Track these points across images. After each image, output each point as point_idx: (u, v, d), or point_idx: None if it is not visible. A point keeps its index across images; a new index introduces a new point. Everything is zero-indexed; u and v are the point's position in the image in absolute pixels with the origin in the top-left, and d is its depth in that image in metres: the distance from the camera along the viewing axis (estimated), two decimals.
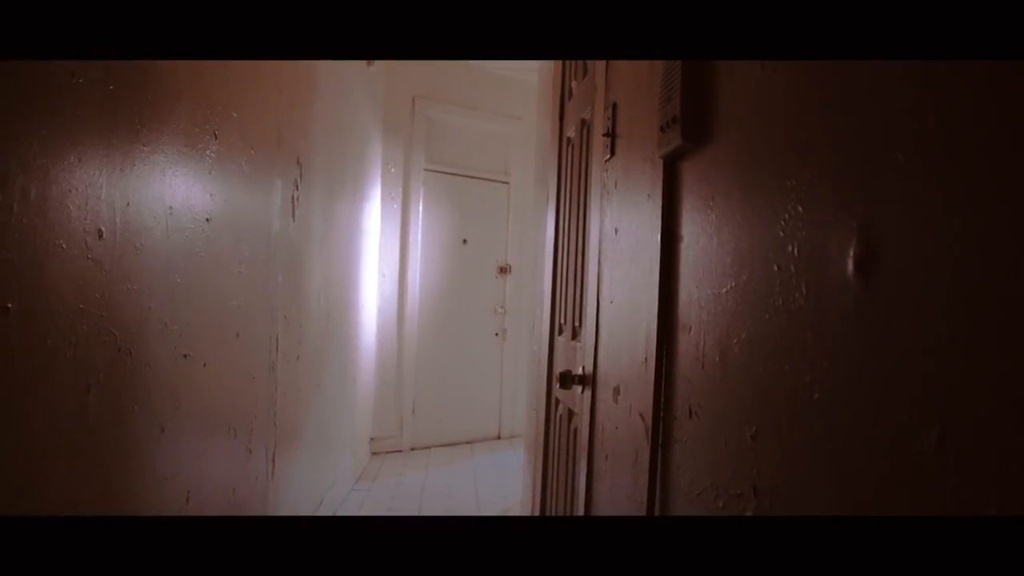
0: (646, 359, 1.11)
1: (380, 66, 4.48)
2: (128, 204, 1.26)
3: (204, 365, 1.66)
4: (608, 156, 1.46)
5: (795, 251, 0.66)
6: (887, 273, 0.53)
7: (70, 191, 1.07)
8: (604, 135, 1.47)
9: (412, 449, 4.98)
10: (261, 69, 2.07)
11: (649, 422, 1.06)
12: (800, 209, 0.66)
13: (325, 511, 3.29)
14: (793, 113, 0.68)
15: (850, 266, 0.57)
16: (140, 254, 1.31)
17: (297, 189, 2.52)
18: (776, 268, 0.70)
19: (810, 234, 0.64)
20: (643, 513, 1.07)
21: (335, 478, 3.56)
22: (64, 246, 1.07)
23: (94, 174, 1.14)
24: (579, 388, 1.68)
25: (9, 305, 0.94)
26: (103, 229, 1.17)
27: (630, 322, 1.27)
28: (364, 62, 4.09)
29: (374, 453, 4.80)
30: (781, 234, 0.69)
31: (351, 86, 3.72)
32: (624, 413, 1.26)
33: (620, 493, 1.25)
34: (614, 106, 1.44)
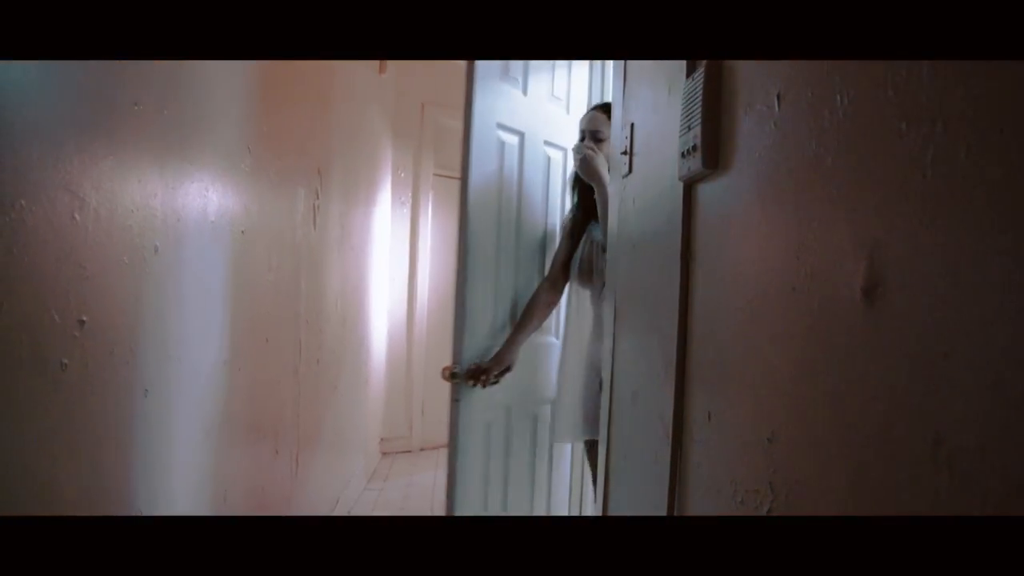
0: (665, 366, 1.19)
1: (391, 74, 4.56)
2: (179, 220, 1.34)
3: (239, 370, 1.75)
4: (627, 172, 1.54)
5: (808, 274, 0.75)
6: (888, 301, 0.61)
7: (132, 211, 1.16)
8: (623, 153, 1.56)
9: (422, 449, 5.07)
10: (287, 80, 2.16)
11: (670, 426, 1.14)
12: (814, 237, 0.74)
13: (340, 511, 3.38)
14: (810, 155, 0.76)
15: (858, 292, 0.65)
16: (186, 265, 1.40)
17: (318, 198, 2.61)
18: (792, 289, 0.78)
19: (823, 260, 0.72)
20: (663, 512, 1.15)
21: (349, 478, 3.65)
22: (127, 261, 1.15)
23: (152, 195, 1.22)
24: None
25: (84, 318, 1.02)
26: (158, 244, 1.26)
27: (646, 330, 1.35)
28: (376, 70, 4.17)
29: (384, 453, 4.89)
30: (796, 259, 0.78)
31: (364, 93, 3.80)
32: (643, 415, 1.34)
33: (638, 492, 1.33)
34: (632, 126, 1.53)
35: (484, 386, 1.98)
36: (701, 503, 1.03)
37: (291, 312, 2.30)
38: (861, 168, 0.67)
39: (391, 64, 4.32)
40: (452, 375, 2.02)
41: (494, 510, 2.14)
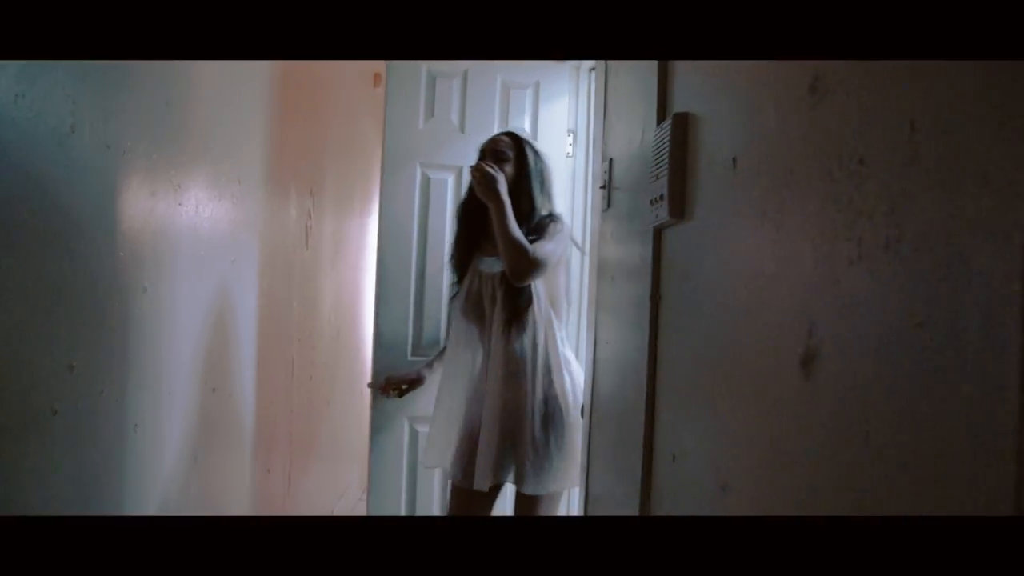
0: (636, 405, 1.24)
1: (384, 88, 4.59)
2: (169, 257, 1.39)
3: (228, 396, 1.79)
4: (606, 207, 1.58)
5: (756, 335, 0.79)
6: (822, 373, 0.65)
7: (121, 254, 1.20)
8: (601, 187, 1.60)
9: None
10: (282, 102, 2.20)
11: (639, 463, 1.18)
12: (762, 302, 0.78)
13: None
14: (759, 223, 0.80)
15: (798, 362, 0.69)
16: (174, 302, 1.44)
17: (310, 219, 2.65)
18: (741, 348, 0.83)
19: (769, 326, 0.76)
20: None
21: (344, 489, 3.69)
22: (116, 303, 1.19)
23: (141, 234, 1.26)
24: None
25: (73, 364, 1.06)
26: (147, 285, 1.30)
27: (621, 362, 1.40)
28: (370, 84, 4.21)
29: None
30: (747, 320, 0.82)
31: (357, 107, 3.84)
32: (619, 444, 1.39)
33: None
34: (611, 161, 1.57)
35: (388, 396, 2.25)
36: None
37: (283, 333, 2.34)
38: (801, 243, 0.71)
39: (384, 77, 4.35)
40: (368, 385, 2.41)
41: (408, 510, 2.49)
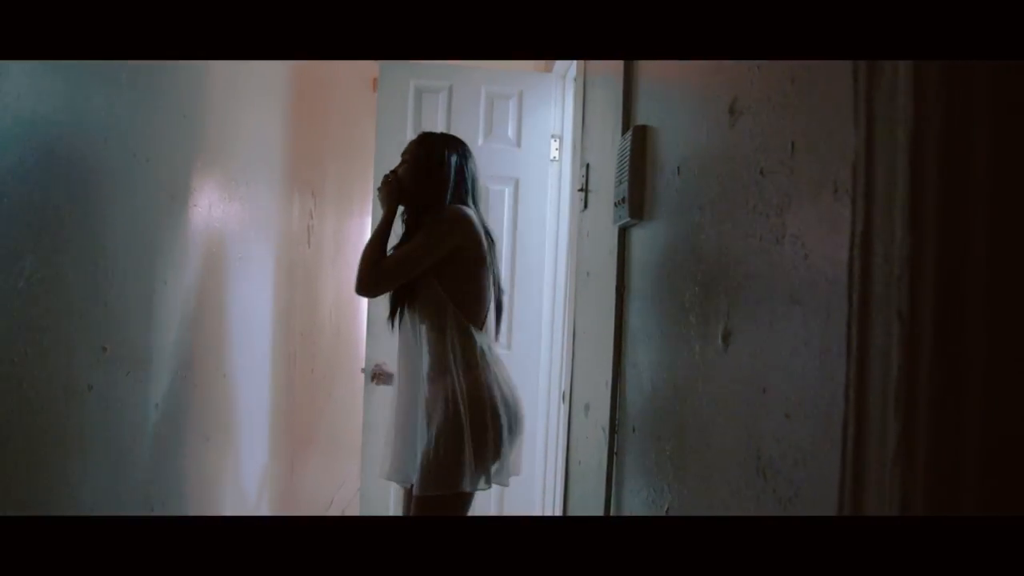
0: (606, 383, 1.38)
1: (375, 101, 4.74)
2: (184, 254, 1.53)
3: (237, 383, 1.93)
4: (583, 208, 1.73)
5: (692, 319, 0.93)
6: (735, 348, 0.79)
7: (145, 250, 1.34)
8: (580, 190, 1.74)
9: None
10: (287, 106, 2.34)
11: (607, 435, 1.33)
12: (696, 291, 0.93)
13: (335, 511, 3.56)
14: (696, 222, 0.95)
15: (720, 338, 0.84)
16: (190, 294, 1.58)
17: (312, 219, 2.79)
18: (680, 328, 0.97)
19: (703, 311, 0.91)
20: (604, 510, 1.34)
21: (343, 480, 3.83)
22: (141, 294, 1.34)
23: (162, 233, 1.41)
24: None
25: (106, 346, 1.21)
26: (167, 279, 1.44)
27: (596, 349, 1.54)
28: (369, 88, 4.35)
29: None
30: (686, 305, 0.96)
31: (357, 110, 3.98)
32: (592, 426, 1.53)
33: (588, 492, 1.52)
34: (587, 166, 1.71)
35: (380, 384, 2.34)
36: (628, 502, 1.22)
37: (285, 327, 2.48)
38: (728, 241, 0.86)
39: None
40: (363, 370, 2.49)
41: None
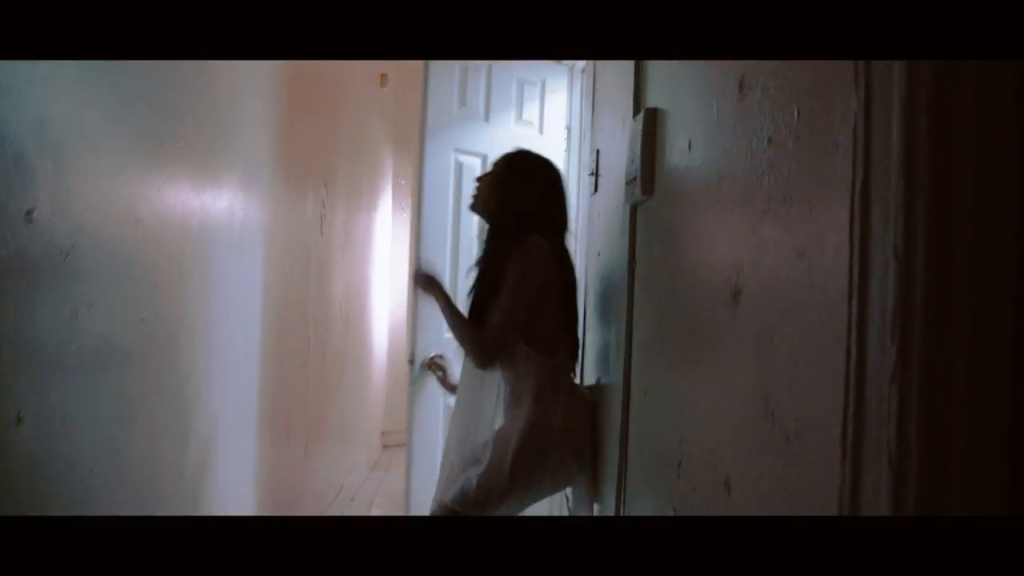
0: (618, 354, 1.44)
1: (391, 87, 4.81)
2: (211, 235, 1.60)
3: (258, 361, 2.00)
4: (593, 191, 1.79)
5: (701, 282, 1.00)
6: (744, 303, 0.86)
7: (176, 230, 1.41)
8: (590, 174, 1.80)
9: None
10: (300, 101, 2.41)
11: (619, 401, 1.39)
12: (708, 255, 0.99)
13: (344, 496, 3.63)
14: (708, 192, 1.01)
15: (729, 295, 0.90)
16: (215, 273, 1.65)
17: (324, 208, 2.85)
18: (693, 290, 1.03)
19: (713, 272, 0.97)
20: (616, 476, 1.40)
21: (352, 467, 3.90)
22: (173, 270, 1.40)
23: (191, 215, 1.47)
24: None
25: (144, 317, 1.27)
26: (195, 256, 1.51)
27: (610, 325, 1.60)
28: (378, 84, 4.42)
29: (385, 446, 5.13)
30: (696, 271, 1.03)
31: (366, 106, 4.05)
32: (607, 392, 1.59)
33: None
34: (598, 151, 1.78)
35: (433, 372, 2.30)
36: (636, 468, 1.28)
37: (301, 312, 2.55)
38: (734, 206, 0.92)
39: (391, 77, 4.56)
40: (409, 361, 2.43)
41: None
